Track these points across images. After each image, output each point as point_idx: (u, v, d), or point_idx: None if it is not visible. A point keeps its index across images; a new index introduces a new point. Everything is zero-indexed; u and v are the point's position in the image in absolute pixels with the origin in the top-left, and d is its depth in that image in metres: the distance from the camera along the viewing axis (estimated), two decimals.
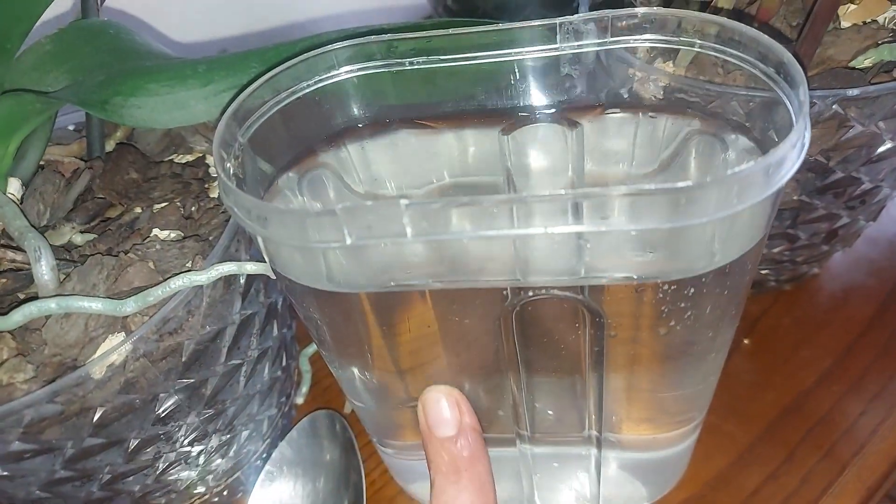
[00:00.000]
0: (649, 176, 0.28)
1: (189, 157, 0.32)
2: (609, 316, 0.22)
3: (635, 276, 0.21)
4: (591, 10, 0.33)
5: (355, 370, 0.27)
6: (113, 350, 0.23)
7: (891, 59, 0.30)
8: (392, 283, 0.22)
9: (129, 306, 0.23)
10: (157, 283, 0.25)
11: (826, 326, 0.40)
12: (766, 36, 0.22)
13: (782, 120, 0.22)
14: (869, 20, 0.31)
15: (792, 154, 0.19)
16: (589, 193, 0.18)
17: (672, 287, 0.21)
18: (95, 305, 0.23)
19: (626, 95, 0.28)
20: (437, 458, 0.24)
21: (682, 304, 0.22)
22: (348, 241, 0.19)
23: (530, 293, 0.22)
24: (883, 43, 0.30)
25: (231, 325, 0.28)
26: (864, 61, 0.30)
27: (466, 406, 0.25)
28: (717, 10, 0.31)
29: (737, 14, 0.32)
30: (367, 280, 0.22)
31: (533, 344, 0.24)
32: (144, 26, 0.42)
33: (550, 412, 0.28)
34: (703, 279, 0.21)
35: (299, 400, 0.40)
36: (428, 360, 0.26)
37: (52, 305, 0.23)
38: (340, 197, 0.28)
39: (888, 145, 0.30)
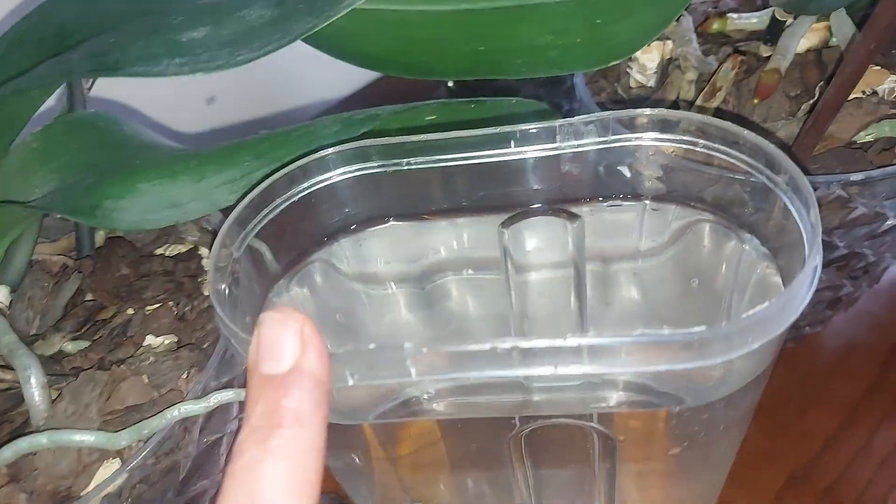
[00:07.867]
0: (657, 250, 0.27)
1: (181, 248, 0.31)
2: (620, 439, 0.22)
3: (643, 405, 0.20)
4: (586, 91, 0.32)
5: (355, 480, 0.26)
6: (109, 482, 0.22)
7: (892, 134, 0.30)
8: (398, 414, 0.21)
9: (124, 439, 0.22)
10: (151, 404, 0.24)
11: (830, 386, 0.40)
12: (773, 146, 0.21)
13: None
14: (869, 91, 0.31)
15: (805, 285, 0.18)
16: (599, 344, 0.17)
17: (686, 413, 0.20)
18: (88, 439, 0.22)
19: (627, 174, 0.28)
20: (251, 404, 0.17)
21: (696, 427, 0.21)
22: (350, 383, 0.19)
23: (539, 420, 0.21)
24: (884, 118, 0.30)
25: (229, 433, 0.27)
26: (866, 136, 0.30)
27: (317, 344, 0.17)
28: (715, 90, 0.30)
29: (735, 90, 0.31)
30: (371, 413, 0.21)
31: (543, 462, 0.23)
32: (131, 111, 0.41)
33: None
34: (718, 403, 0.20)
35: None
36: (430, 469, 0.25)
37: (43, 441, 0.22)
38: (328, 282, 0.28)
39: (891, 222, 0.30)
